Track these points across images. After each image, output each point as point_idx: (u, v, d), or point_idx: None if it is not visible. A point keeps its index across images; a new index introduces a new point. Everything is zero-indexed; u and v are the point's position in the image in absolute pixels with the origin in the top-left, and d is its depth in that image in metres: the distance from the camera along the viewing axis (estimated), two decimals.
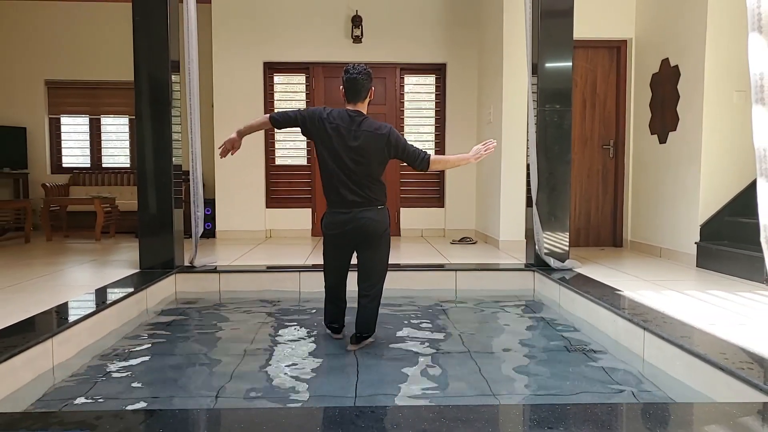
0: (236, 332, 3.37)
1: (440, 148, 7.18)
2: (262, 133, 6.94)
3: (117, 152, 7.95)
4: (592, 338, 3.20)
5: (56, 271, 4.40)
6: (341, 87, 3.05)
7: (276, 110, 7.10)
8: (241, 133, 3.22)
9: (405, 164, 3.16)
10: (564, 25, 4.45)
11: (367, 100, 3.06)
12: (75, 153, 7.93)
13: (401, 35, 6.98)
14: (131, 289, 3.65)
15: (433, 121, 7.24)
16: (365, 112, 3.05)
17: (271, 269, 4.51)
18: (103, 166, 7.88)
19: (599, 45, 5.93)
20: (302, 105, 7.12)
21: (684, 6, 4.97)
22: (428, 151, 3.11)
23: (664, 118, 5.27)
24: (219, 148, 3.27)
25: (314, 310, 3.80)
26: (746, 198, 4.51)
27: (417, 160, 3.05)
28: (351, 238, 3.02)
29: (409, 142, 3.09)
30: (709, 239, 4.66)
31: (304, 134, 3.09)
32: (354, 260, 3.15)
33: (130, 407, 2.26)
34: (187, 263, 4.52)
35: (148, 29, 4.33)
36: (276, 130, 3.22)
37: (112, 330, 3.20)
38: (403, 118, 7.18)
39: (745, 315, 3.04)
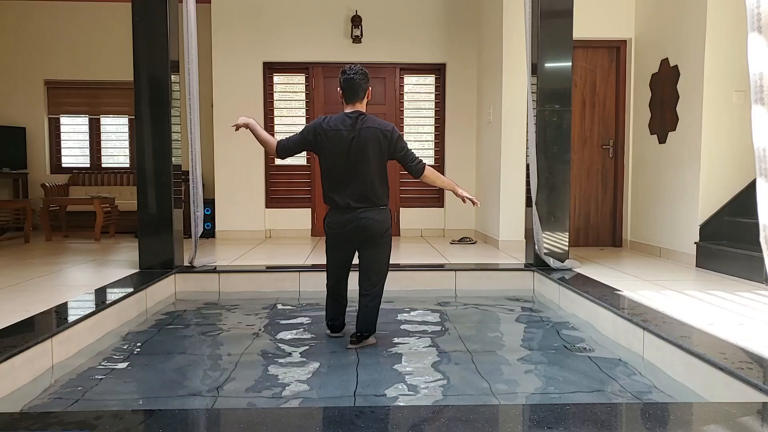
0: (236, 332, 3.36)
1: (440, 148, 7.19)
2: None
3: (116, 152, 7.95)
4: (592, 338, 3.20)
5: (56, 271, 4.40)
6: (339, 89, 3.06)
7: (275, 111, 7.11)
8: (254, 129, 3.16)
9: (407, 171, 3.18)
10: (563, 25, 4.46)
11: (365, 100, 3.07)
12: (74, 153, 7.93)
13: (401, 35, 6.98)
14: (131, 289, 3.65)
15: (432, 121, 7.24)
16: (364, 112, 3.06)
17: (270, 269, 4.51)
18: (103, 166, 7.88)
19: (599, 45, 5.93)
20: (301, 105, 7.13)
21: (683, 6, 4.97)
22: (428, 162, 3.14)
23: (664, 118, 5.27)
24: (234, 124, 3.21)
25: (314, 310, 3.79)
26: (746, 198, 4.51)
27: (413, 162, 3.09)
28: (352, 237, 3.03)
29: (409, 148, 3.12)
30: (709, 239, 4.66)
31: (312, 151, 3.10)
32: (355, 260, 3.16)
33: (130, 407, 2.26)
34: (186, 263, 4.52)
35: (148, 29, 4.33)
36: (278, 158, 3.24)
37: (111, 330, 3.20)
38: (402, 118, 7.18)
39: (744, 315, 3.04)
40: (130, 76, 4.42)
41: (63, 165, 7.88)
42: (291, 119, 7.15)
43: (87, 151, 7.90)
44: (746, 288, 3.78)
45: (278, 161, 7.13)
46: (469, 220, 7.11)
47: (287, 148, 3.13)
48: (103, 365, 2.73)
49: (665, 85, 5.24)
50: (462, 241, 6.40)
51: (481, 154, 6.80)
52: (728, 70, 4.62)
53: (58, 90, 7.76)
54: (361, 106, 3.05)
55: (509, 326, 3.56)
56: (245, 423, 1.83)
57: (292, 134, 3.19)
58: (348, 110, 3.03)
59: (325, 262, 3.23)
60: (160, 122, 4.38)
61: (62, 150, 7.91)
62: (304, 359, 2.89)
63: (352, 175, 2.97)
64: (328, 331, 3.25)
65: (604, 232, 6.12)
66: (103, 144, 7.91)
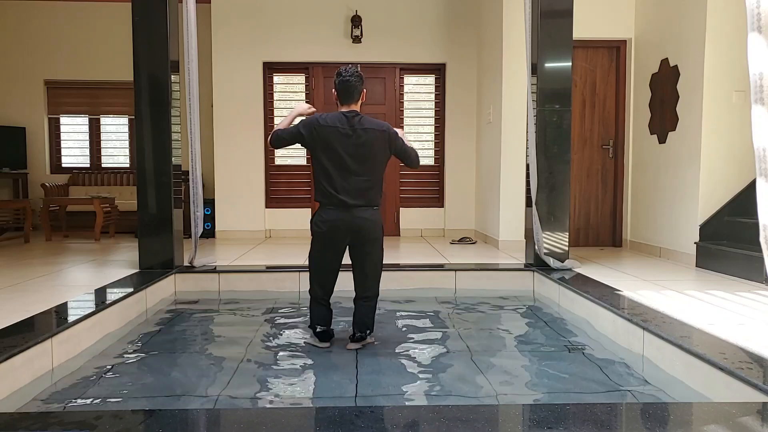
0: (236, 332, 3.36)
1: (440, 148, 7.19)
2: (261, 131, 6.95)
3: (116, 152, 7.95)
4: (592, 338, 3.20)
5: (56, 271, 4.40)
6: (333, 90, 3.04)
7: (275, 111, 7.11)
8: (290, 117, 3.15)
9: (404, 164, 3.18)
10: (563, 25, 4.46)
11: (360, 101, 3.05)
12: (74, 153, 7.93)
13: (401, 35, 6.98)
14: (131, 289, 3.65)
15: (432, 121, 7.24)
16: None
17: (270, 269, 4.51)
18: (103, 166, 7.88)
19: (599, 45, 5.93)
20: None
21: (683, 6, 4.97)
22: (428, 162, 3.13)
23: (664, 118, 5.27)
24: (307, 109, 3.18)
25: None
26: (746, 198, 4.51)
27: (412, 156, 3.11)
28: (346, 237, 2.97)
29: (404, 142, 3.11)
30: (709, 239, 4.66)
31: (305, 146, 3.06)
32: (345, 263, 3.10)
33: (129, 407, 2.26)
34: (186, 263, 4.52)
35: (148, 29, 4.33)
36: (272, 147, 3.19)
37: (111, 330, 3.20)
38: (402, 119, 7.18)
39: (744, 315, 3.04)
40: (130, 76, 4.41)
41: (63, 165, 7.88)
42: None
43: (87, 151, 7.90)
44: (746, 288, 3.78)
45: (278, 161, 7.14)
46: (469, 220, 7.11)
47: (280, 138, 3.06)
48: (103, 365, 2.73)
49: (665, 85, 5.24)
50: (462, 241, 6.40)
51: (481, 154, 6.80)
52: (728, 70, 4.62)
53: (58, 90, 7.76)
54: (356, 107, 3.03)
55: (509, 326, 3.56)
56: (245, 423, 1.83)
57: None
58: (344, 110, 3.02)
59: (310, 266, 3.11)
60: (160, 122, 4.38)
61: (62, 150, 7.90)
62: (304, 359, 2.89)
63: (352, 173, 2.93)
64: (316, 339, 3.07)
65: (604, 232, 6.12)
66: (103, 144, 7.90)
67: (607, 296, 3.46)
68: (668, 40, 5.22)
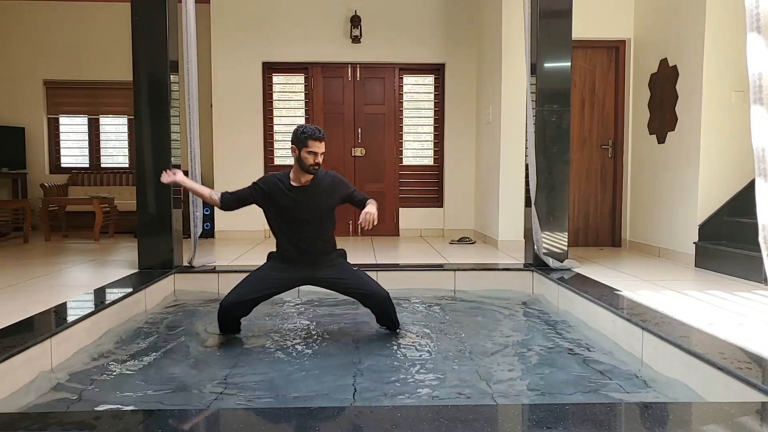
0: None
1: (439, 148, 7.19)
2: (260, 132, 6.95)
3: (116, 152, 7.95)
4: (591, 338, 3.20)
5: (55, 271, 4.40)
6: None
7: (275, 111, 7.11)
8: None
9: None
10: (563, 25, 4.46)
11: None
12: (74, 153, 7.92)
13: (400, 35, 6.98)
14: (130, 289, 3.65)
15: (432, 121, 7.24)
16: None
17: None
18: (102, 166, 7.88)
19: (598, 45, 5.94)
20: (300, 105, 7.12)
21: (682, 6, 4.98)
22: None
23: (663, 118, 5.27)
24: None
25: (313, 310, 3.80)
26: (745, 198, 4.51)
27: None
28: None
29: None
30: (708, 239, 4.66)
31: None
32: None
33: (129, 407, 2.26)
34: (185, 263, 4.52)
35: (147, 29, 4.33)
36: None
37: (110, 330, 3.20)
38: (402, 119, 7.18)
39: (743, 315, 3.05)
40: (129, 76, 4.41)
41: (62, 165, 7.87)
42: (290, 119, 7.15)
43: (86, 151, 7.89)
44: (745, 288, 3.78)
45: (278, 161, 7.14)
46: (469, 220, 7.11)
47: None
48: (102, 365, 2.73)
49: (664, 85, 5.24)
50: (461, 241, 6.40)
51: (481, 154, 6.80)
52: (727, 70, 4.62)
53: (57, 90, 7.75)
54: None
55: (508, 326, 3.56)
56: (245, 423, 1.83)
57: None
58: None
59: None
60: (160, 122, 4.38)
61: (61, 150, 7.90)
62: (303, 359, 2.89)
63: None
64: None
65: (604, 232, 6.12)
66: (102, 144, 7.90)
67: (606, 296, 3.46)
68: (667, 40, 5.22)
